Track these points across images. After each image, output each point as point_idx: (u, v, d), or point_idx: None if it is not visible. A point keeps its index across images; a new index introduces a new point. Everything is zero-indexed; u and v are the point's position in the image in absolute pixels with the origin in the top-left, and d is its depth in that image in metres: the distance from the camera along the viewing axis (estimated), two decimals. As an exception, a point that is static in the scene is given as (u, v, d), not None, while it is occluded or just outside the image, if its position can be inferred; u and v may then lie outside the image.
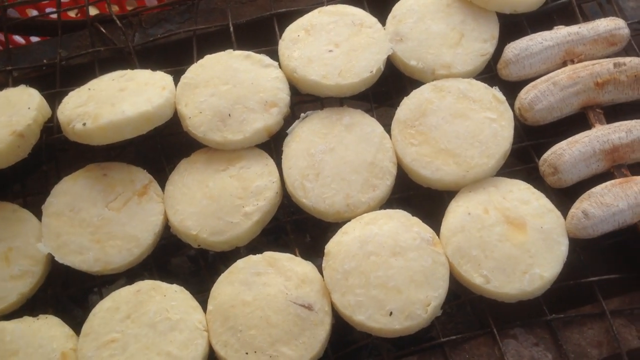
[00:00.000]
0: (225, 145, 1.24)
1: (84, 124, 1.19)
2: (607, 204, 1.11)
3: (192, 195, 1.21)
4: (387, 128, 1.27)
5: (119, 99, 1.22)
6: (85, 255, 1.17)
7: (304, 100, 1.35)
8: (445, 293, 1.11)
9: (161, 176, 1.28)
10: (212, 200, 1.20)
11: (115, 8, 1.75)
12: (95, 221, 1.19)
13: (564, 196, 1.21)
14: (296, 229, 1.45)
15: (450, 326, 1.40)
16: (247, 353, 1.06)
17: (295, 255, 1.19)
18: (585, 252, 1.16)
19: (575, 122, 1.26)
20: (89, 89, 1.29)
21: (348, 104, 1.33)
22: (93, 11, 1.67)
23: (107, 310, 1.12)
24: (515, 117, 1.26)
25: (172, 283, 1.17)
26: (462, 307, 1.38)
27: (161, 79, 1.29)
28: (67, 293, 1.32)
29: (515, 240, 1.12)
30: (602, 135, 1.17)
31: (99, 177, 1.24)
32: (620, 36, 1.28)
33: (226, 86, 1.27)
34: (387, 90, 1.37)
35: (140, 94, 1.23)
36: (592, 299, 1.14)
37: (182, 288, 1.15)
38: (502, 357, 1.09)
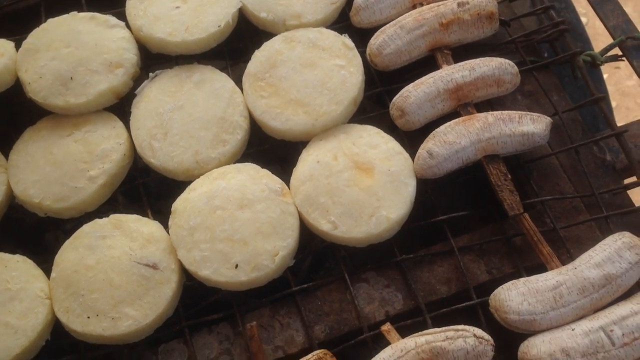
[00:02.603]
0: (69, 109, 1.20)
1: None
2: (450, 142, 1.12)
3: (35, 163, 1.17)
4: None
5: (-48, 69, 1.17)
6: None
7: (158, 61, 1.31)
8: (296, 243, 1.10)
9: (9, 147, 1.23)
10: (55, 166, 1.16)
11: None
12: None
13: (420, 138, 1.20)
14: (168, 190, 1.42)
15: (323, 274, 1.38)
16: (88, 317, 1.03)
17: (148, 216, 1.17)
18: (436, 192, 1.17)
19: (429, 65, 1.25)
20: None
21: (203, 62, 1.30)
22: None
23: (-55, 287, 1.07)
24: (369, 64, 1.25)
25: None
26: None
27: (0, 46, 1.23)
28: None
29: (362, 185, 1.11)
30: (446, 75, 1.17)
31: (-62, 153, 1.19)
32: (466, -24, 1.27)
33: (68, 49, 1.23)
34: (244, 46, 1.34)
35: (-24, 63, 1.18)
36: (443, 238, 1.14)
37: (25, 258, 1.12)
38: (353, 300, 1.09)
